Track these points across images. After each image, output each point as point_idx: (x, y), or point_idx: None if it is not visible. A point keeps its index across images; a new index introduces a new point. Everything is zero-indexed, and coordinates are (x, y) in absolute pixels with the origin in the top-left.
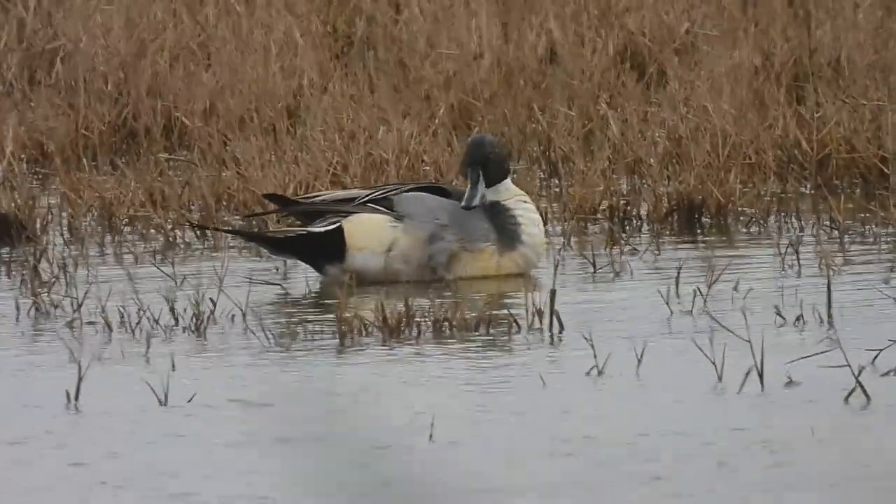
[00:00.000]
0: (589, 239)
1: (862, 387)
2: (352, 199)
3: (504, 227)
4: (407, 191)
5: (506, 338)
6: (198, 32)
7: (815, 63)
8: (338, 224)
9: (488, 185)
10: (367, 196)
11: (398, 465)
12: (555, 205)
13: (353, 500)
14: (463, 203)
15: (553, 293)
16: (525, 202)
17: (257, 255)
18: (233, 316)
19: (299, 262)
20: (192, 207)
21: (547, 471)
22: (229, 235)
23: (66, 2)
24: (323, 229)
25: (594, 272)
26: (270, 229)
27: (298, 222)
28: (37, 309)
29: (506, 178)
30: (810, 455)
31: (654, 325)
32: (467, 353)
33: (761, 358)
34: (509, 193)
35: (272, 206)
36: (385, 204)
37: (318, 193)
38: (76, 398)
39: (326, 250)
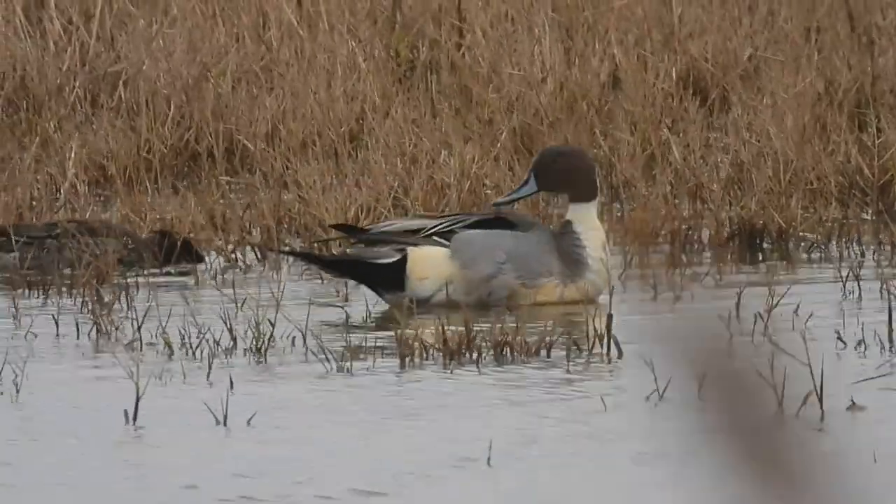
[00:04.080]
0: (650, 263)
1: None
2: (418, 230)
3: (569, 253)
4: (469, 224)
5: (566, 362)
6: (261, 56)
7: (878, 90)
8: (401, 255)
9: (572, 201)
10: (433, 228)
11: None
12: (616, 229)
13: None
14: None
15: (610, 317)
16: (594, 234)
17: (318, 276)
18: (293, 338)
19: (361, 285)
20: (253, 230)
21: (604, 498)
22: (290, 256)
23: (128, 25)
24: (385, 261)
25: (655, 296)
26: (333, 253)
27: (361, 245)
28: (97, 330)
29: (586, 199)
30: (874, 478)
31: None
32: (527, 377)
33: (821, 382)
34: (581, 216)
35: (335, 233)
36: (450, 237)
37: (388, 222)
38: (135, 418)
39: (388, 280)
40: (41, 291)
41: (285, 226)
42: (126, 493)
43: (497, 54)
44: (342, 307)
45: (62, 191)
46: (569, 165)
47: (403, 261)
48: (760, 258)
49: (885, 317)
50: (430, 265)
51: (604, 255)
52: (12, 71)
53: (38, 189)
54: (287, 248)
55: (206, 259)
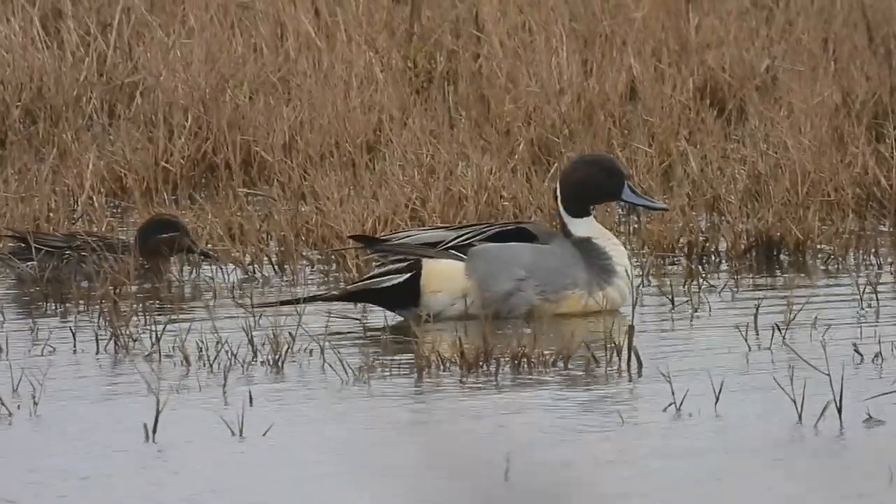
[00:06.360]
0: (667, 275)
1: None
2: (436, 243)
3: (596, 263)
4: (489, 237)
5: (584, 374)
6: (278, 67)
7: None
8: (413, 272)
9: (571, 215)
10: (452, 241)
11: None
12: (633, 241)
13: None
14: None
15: (631, 329)
16: (615, 243)
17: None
18: (311, 350)
19: None
20: (271, 242)
21: None
22: (308, 269)
23: (146, 36)
24: (395, 281)
25: (673, 308)
26: (344, 286)
27: (379, 259)
28: (116, 342)
29: (584, 215)
30: (892, 493)
31: (733, 361)
32: (545, 390)
33: (840, 395)
34: (596, 230)
35: (353, 244)
36: (468, 251)
37: (406, 232)
38: (154, 431)
39: (400, 298)
40: (59, 304)
41: (302, 238)
42: None
43: (515, 65)
44: (359, 320)
45: (80, 202)
46: (569, 179)
47: (416, 276)
48: (778, 270)
49: None
50: (443, 279)
51: (629, 265)
52: (29, 81)
53: (55, 200)
54: (301, 298)
55: (223, 270)
